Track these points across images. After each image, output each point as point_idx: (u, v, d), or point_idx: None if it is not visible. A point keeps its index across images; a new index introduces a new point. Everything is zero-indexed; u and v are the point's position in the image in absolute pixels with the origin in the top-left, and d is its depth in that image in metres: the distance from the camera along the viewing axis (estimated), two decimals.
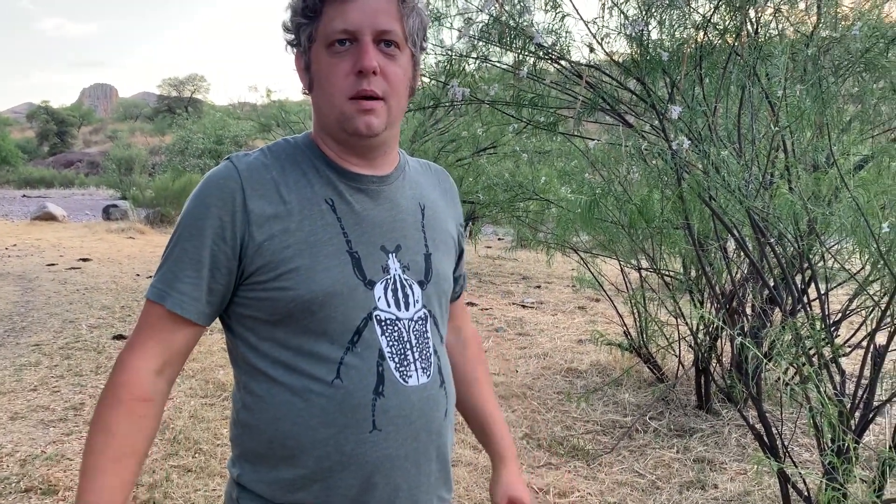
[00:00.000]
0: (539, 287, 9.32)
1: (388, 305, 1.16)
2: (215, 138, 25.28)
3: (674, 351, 4.77)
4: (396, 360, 1.15)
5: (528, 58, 2.82)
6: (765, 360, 2.82)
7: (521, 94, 2.93)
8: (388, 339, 1.15)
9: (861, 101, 3.54)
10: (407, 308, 1.19)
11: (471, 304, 7.80)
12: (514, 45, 2.69)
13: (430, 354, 1.21)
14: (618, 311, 5.21)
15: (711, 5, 2.86)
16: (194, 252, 1.11)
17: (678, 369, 4.81)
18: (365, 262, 1.15)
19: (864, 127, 3.67)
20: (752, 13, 3.08)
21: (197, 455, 3.71)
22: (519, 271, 10.75)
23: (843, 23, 3.20)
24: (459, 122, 9.19)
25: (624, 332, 5.12)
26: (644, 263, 4.71)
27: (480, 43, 2.98)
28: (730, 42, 3.03)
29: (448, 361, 1.29)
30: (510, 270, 10.86)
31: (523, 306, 7.98)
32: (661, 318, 4.75)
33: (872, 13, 3.16)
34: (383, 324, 1.15)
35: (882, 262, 2.69)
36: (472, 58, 3.01)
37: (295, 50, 1.20)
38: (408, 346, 1.17)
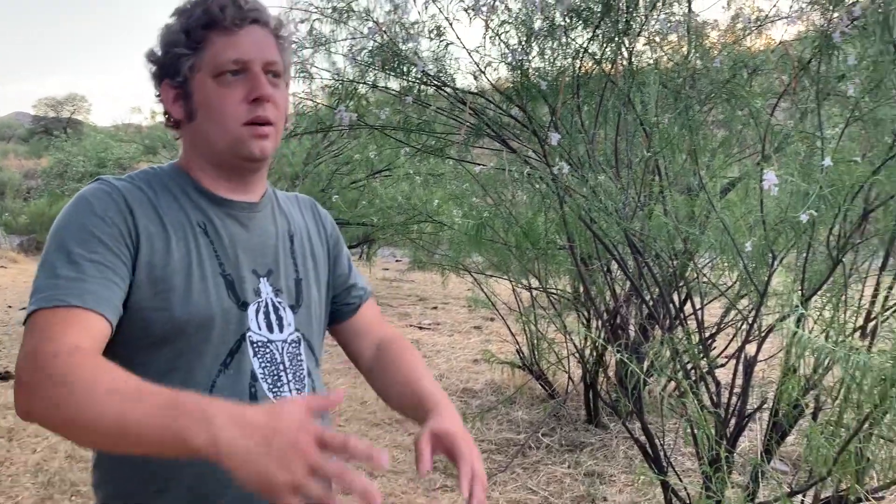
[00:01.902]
0: (436, 308, 9.38)
1: (261, 328, 1.18)
2: (97, 161, 24.06)
3: (564, 367, 4.90)
4: (269, 381, 1.16)
5: (414, 84, 2.86)
6: (644, 376, 2.95)
7: (408, 119, 2.96)
8: (261, 360, 1.16)
9: (728, 127, 3.80)
10: (280, 330, 1.20)
11: None
12: (398, 72, 2.72)
13: (304, 376, 1.22)
14: (510, 330, 5.31)
15: (587, 36, 3.00)
16: (92, 255, 1.05)
17: (568, 385, 4.94)
18: (238, 284, 1.17)
19: (732, 151, 3.93)
20: (626, 43, 3.25)
21: (74, 497, 3.48)
22: (416, 292, 10.79)
23: (711, 51, 3.42)
24: (353, 144, 9.16)
25: (517, 351, 5.23)
26: (534, 283, 4.83)
27: (368, 69, 3.00)
28: (606, 71, 3.18)
29: (323, 384, 1.30)
30: (408, 292, 10.88)
31: (420, 328, 8.01)
32: (552, 336, 4.88)
33: (735, 45, 3.40)
34: (256, 345, 1.16)
35: (748, 278, 2.88)
36: (360, 83, 3.02)
37: (165, 81, 1.19)
38: (281, 367, 1.18)
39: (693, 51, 3.15)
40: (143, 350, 1.10)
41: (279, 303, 1.22)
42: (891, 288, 2.74)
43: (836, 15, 2.35)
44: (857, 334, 2.88)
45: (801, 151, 2.53)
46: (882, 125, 2.46)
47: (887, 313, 2.51)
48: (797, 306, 1.93)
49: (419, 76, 2.74)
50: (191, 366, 1.10)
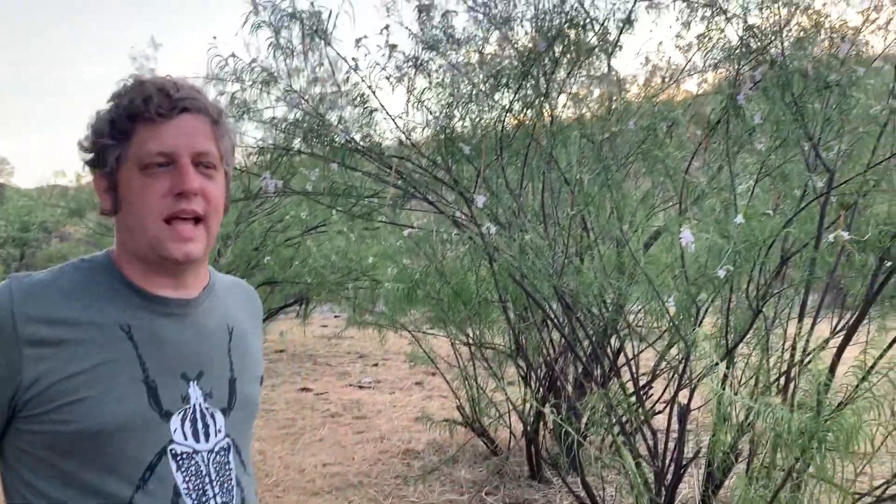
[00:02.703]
0: (377, 365, 9.25)
1: (186, 438, 1.10)
2: (20, 225, 23.16)
3: (505, 422, 4.87)
4: (194, 496, 1.09)
5: (339, 150, 2.87)
6: (582, 430, 2.96)
7: (335, 185, 2.96)
8: (185, 474, 1.09)
9: (651, 179, 3.92)
10: (207, 439, 1.13)
11: (306, 389, 7.59)
12: (323, 141, 2.73)
13: (233, 487, 1.15)
14: (451, 387, 5.26)
15: (508, 100, 3.08)
16: None
17: (510, 441, 4.91)
18: (163, 391, 1.09)
19: (655, 202, 4.05)
20: (547, 104, 3.34)
21: None
22: (356, 349, 10.63)
23: (629, 110, 3.55)
24: (287, 201, 9.08)
25: (457, 407, 5.18)
26: (474, 337, 4.82)
27: (294, 135, 3.00)
28: (529, 131, 3.26)
29: (253, 490, 1.23)
30: (347, 349, 10.71)
31: (360, 387, 7.88)
32: (493, 390, 4.86)
33: (653, 99, 3.53)
34: (179, 458, 1.09)
35: (675, 330, 2.94)
36: (285, 150, 3.01)
37: (95, 170, 1.13)
38: (206, 479, 1.11)
39: (612, 111, 3.26)
40: (50, 462, 1.04)
41: (207, 409, 1.15)
42: (809, 333, 2.84)
43: (742, 75, 2.48)
44: (783, 378, 2.97)
45: (717, 206, 2.63)
46: (790, 179, 2.58)
47: (806, 359, 2.59)
48: (716, 364, 1.97)
49: (343, 143, 2.75)
50: (104, 481, 1.04)
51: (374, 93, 2.81)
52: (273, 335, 10.58)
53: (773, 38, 2.40)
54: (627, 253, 3.01)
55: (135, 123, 1.08)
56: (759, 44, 2.43)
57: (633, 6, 3.32)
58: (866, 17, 2.90)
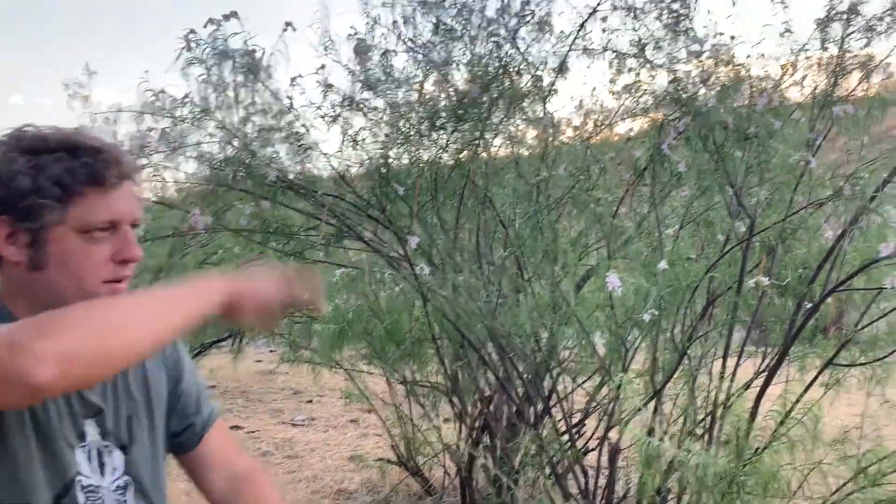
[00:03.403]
0: (311, 402, 9.08)
1: (90, 472, 1.12)
2: None
3: (440, 461, 4.83)
4: None
5: (272, 187, 2.84)
6: (513, 472, 2.96)
7: (266, 222, 2.93)
8: None
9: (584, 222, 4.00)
10: (102, 475, 1.14)
11: (237, 427, 7.38)
12: (254, 177, 2.70)
13: None
14: (385, 425, 5.20)
15: (444, 141, 3.11)
16: None
17: (444, 480, 4.87)
18: (62, 426, 1.10)
19: (589, 242, 4.13)
20: (482, 145, 3.38)
21: None
22: (291, 385, 10.41)
23: (566, 148, 3.62)
24: (222, 233, 8.92)
25: (392, 446, 5.11)
26: (408, 374, 4.78)
27: (225, 172, 2.96)
28: (465, 172, 3.29)
29: None
30: (281, 385, 10.48)
31: (294, 425, 7.72)
32: (427, 429, 4.82)
33: (580, 149, 3.62)
34: (86, 490, 1.10)
35: (605, 371, 2.99)
36: (216, 186, 2.96)
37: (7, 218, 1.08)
38: None
39: (546, 154, 3.33)
40: None
41: (105, 447, 1.15)
42: (733, 374, 2.92)
43: (667, 125, 2.58)
44: (709, 419, 3.03)
45: (644, 250, 2.70)
46: (713, 225, 2.68)
47: (729, 401, 2.66)
48: (639, 409, 2.01)
49: (275, 181, 2.72)
50: None
51: (308, 131, 2.80)
52: (204, 370, 10.29)
53: (696, 89, 2.51)
54: (559, 294, 3.05)
55: (86, 188, 1.07)
56: (682, 95, 2.53)
57: (567, 53, 3.42)
58: (784, 71, 3.05)
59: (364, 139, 2.85)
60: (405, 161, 3.02)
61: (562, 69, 3.45)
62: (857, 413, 3.26)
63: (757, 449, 1.87)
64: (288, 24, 2.51)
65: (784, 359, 2.77)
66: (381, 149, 2.87)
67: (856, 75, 3.07)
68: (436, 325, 3.14)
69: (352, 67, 3.18)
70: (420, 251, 2.88)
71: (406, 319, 3.23)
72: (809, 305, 2.71)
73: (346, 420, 7.80)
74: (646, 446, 1.88)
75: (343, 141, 2.85)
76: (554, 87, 3.50)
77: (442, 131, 3.16)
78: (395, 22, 3.45)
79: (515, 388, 3.31)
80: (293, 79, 2.73)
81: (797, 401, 2.28)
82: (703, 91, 2.56)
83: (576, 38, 3.31)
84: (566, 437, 3.47)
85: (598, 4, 3.25)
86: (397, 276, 3.01)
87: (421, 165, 3.02)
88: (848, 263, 2.58)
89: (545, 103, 3.48)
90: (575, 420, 3.83)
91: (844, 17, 2.87)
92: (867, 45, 3.01)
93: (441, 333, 3.31)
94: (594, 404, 3.61)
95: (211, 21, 2.46)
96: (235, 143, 2.76)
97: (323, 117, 2.77)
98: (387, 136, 2.89)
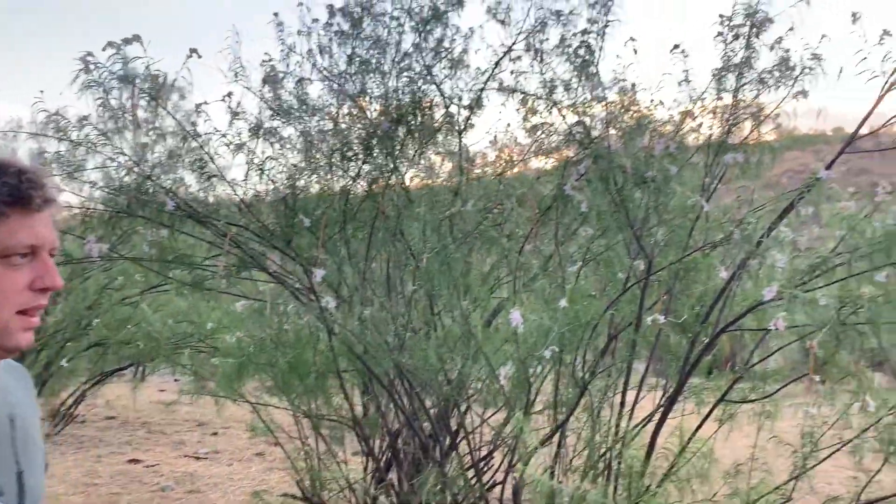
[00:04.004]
0: (216, 434, 8.76)
1: None
2: None
3: (345, 497, 4.73)
4: None
5: (172, 215, 2.75)
6: None
7: (164, 251, 2.82)
8: None
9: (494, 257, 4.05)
10: None
11: (135, 460, 7.04)
12: (153, 205, 2.60)
13: None
14: (290, 459, 5.06)
15: (354, 172, 3.09)
16: None
17: None
18: None
19: (500, 277, 4.17)
20: (393, 178, 3.38)
21: None
22: (195, 416, 10.02)
23: (476, 184, 3.66)
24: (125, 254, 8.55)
25: (297, 482, 4.98)
26: (314, 408, 4.67)
27: (124, 199, 2.85)
28: (375, 205, 3.28)
29: None
30: (185, 416, 10.08)
31: (196, 458, 7.42)
32: (334, 463, 4.72)
33: (492, 185, 3.67)
34: None
35: (508, 406, 3.00)
36: (113, 213, 2.84)
37: None
38: None
39: (458, 189, 3.36)
40: None
41: None
42: (631, 410, 2.99)
43: (570, 167, 2.65)
44: (607, 454, 3.09)
45: (547, 287, 2.75)
46: (613, 264, 2.75)
47: (626, 438, 2.72)
48: (540, 445, 2.02)
49: (174, 209, 2.64)
50: None
51: (212, 159, 2.73)
52: (102, 400, 9.82)
53: (598, 133, 2.59)
54: (467, 328, 3.06)
55: (9, 209, 1.01)
56: (584, 138, 2.61)
57: (482, 90, 3.48)
58: (683, 118, 3.19)
59: (271, 168, 2.80)
60: (315, 191, 2.98)
61: (477, 105, 3.51)
62: (752, 446, 3.39)
63: (648, 487, 1.91)
64: (192, 50, 2.45)
65: (679, 394, 2.86)
66: (289, 178, 2.82)
67: (748, 124, 3.25)
68: (341, 359, 3.09)
69: (263, 95, 3.14)
70: (327, 283, 2.84)
71: (310, 353, 3.17)
72: (705, 342, 2.82)
73: (251, 453, 7.55)
74: (544, 485, 1.90)
75: (249, 170, 2.79)
76: (470, 122, 3.56)
77: (352, 162, 3.15)
78: (310, 51, 3.45)
79: (422, 423, 3.29)
80: (198, 105, 2.67)
81: (690, 437, 2.36)
82: (604, 135, 2.64)
83: (490, 76, 3.38)
84: (473, 471, 3.47)
85: (513, 44, 3.34)
86: (302, 308, 2.95)
87: (330, 196, 2.99)
88: (738, 304, 2.69)
89: (460, 137, 3.53)
90: (482, 453, 3.84)
91: (737, 69, 3.03)
92: (757, 95, 3.20)
93: (348, 367, 3.25)
94: (500, 439, 3.63)
95: (110, 44, 2.37)
96: (135, 170, 2.66)
97: (228, 145, 2.71)
98: (294, 165, 2.85)
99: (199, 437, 8.51)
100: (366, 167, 3.22)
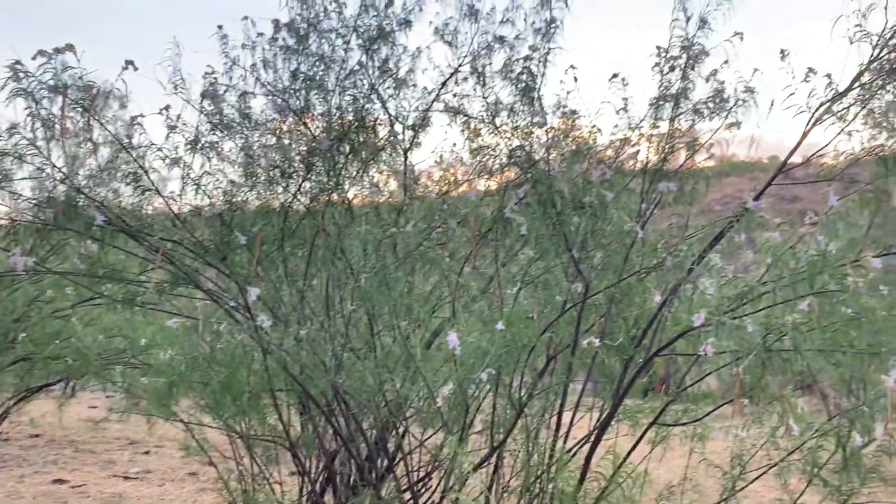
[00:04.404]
0: (148, 453, 8.48)
1: None
2: None
3: None
4: None
5: (102, 229, 2.66)
6: None
7: (94, 266, 2.73)
8: None
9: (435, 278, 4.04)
10: None
11: (60, 481, 6.76)
12: (81, 218, 2.52)
13: None
14: (224, 480, 4.93)
15: (294, 189, 3.06)
16: None
17: None
18: None
19: (441, 297, 4.16)
20: (335, 195, 3.35)
21: None
22: (126, 434, 9.70)
23: (418, 204, 3.66)
24: (57, 265, 8.25)
25: (229, 503, 4.84)
26: (248, 428, 4.57)
27: (50, 211, 2.75)
28: (315, 222, 3.24)
29: None
30: (116, 434, 9.74)
31: (126, 478, 7.16)
32: (269, 484, 4.61)
33: (436, 204, 3.67)
34: None
35: (445, 429, 2.99)
36: (40, 225, 2.73)
37: None
38: None
39: (401, 209, 3.35)
40: None
41: None
42: (567, 432, 3.01)
43: (509, 190, 2.67)
44: (544, 475, 3.10)
45: (485, 309, 2.76)
46: (550, 287, 2.78)
47: (558, 461, 2.73)
48: (475, 468, 2.02)
49: (106, 223, 2.56)
50: None
51: (147, 173, 2.67)
52: (27, 417, 9.42)
53: (537, 158, 2.63)
54: (405, 350, 3.04)
55: None
56: (526, 162, 2.64)
57: (428, 110, 3.49)
58: (621, 145, 3.25)
59: (208, 183, 2.74)
60: (252, 207, 2.93)
61: (422, 125, 3.52)
62: (685, 467, 3.45)
63: None
64: (129, 62, 2.39)
65: (613, 416, 2.89)
66: (226, 194, 2.77)
67: (683, 152, 3.33)
68: (277, 379, 3.03)
69: (204, 108, 3.08)
70: (262, 302, 2.79)
71: (244, 372, 3.11)
72: (639, 364, 2.86)
73: (184, 473, 7.33)
74: None
75: (185, 184, 2.73)
76: (416, 141, 3.56)
77: (293, 179, 3.11)
78: (254, 65, 3.40)
79: (358, 444, 3.25)
80: (133, 118, 2.60)
81: (624, 460, 2.38)
82: (544, 159, 2.68)
83: (436, 97, 3.39)
84: (409, 493, 3.43)
85: (460, 65, 3.37)
86: (237, 327, 2.89)
87: (268, 212, 2.95)
88: (671, 329, 2.75)
89: (405, 156, 3.53)
90: (420, 475, 3.80)
91: (673, 99, 3.11)
92: (693, 125, 3.29)
93: (284, 386, 3.19)
94: (437, 461, 3.61)
95: (41, 53, 2.30)
96: (65, 182, 2.58)
97: (164, 159, 2.65)
98: (231, 181, 2.80)
99: (130, 457, 8.23)
100: (307, 184, 3.18)
